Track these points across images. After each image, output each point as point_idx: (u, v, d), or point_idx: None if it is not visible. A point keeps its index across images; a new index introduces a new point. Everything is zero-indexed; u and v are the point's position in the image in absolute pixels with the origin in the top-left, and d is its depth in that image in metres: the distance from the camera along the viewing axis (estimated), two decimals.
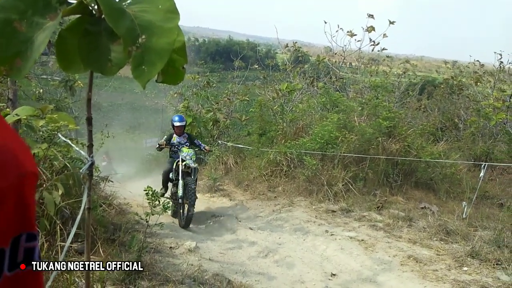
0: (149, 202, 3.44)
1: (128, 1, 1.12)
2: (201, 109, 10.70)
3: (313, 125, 7.84)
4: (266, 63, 13.42)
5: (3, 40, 0.98)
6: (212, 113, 10.24)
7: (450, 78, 11.62)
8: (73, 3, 1.13)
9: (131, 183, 9.40)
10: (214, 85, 13.20)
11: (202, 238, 5.12)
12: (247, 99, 11.45)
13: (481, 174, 5.50)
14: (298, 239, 5.01)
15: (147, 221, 3.36)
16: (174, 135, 6.38)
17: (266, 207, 6.42)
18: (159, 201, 3.40)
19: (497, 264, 4.16)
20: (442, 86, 11.23)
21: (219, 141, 9.98)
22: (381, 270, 4.07)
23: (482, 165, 5.66)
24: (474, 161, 7.76)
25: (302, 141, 7.21)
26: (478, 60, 11.75)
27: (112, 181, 5.72)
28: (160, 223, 3.58)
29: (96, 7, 1.12)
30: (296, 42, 12.09)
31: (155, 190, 3.44)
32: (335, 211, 5.87)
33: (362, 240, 4.78)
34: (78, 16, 1.14)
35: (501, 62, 10.37)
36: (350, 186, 6.41)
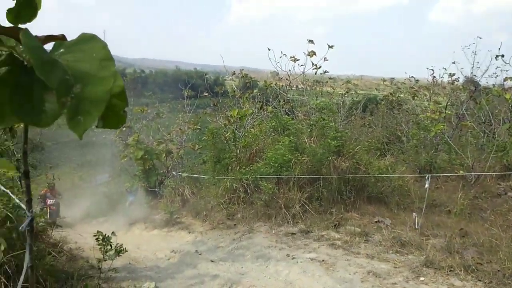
0: (100, 248, 3.25)
1: (61, 51, 1.09)
2: (152, 141, 10.47)
3: (266, 150, 7.93)
4: (215, 91, 13.50)
5: None
6: (164, 144, 10.05)
7: (389, 95, 12.38)
8: (1, 55, 1.09)
9: (83, 225, 8.89)
10: (164, 115, 13.03)
11: (162, 277, 4.90)
12: (199, 127, 11.39)
13: (426, 185, 5.82)
14: (261, 266, 4.95)
15: (99, 268, 3.16)
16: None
17: (226, 236, 6.32)
18: (111, 246, 3.22)
19: (450, 270, 4.37)
20: (383, 103, 11.92)
21: (174, 172, 9.77)
22: None
23: (426, 177, 5.99)
24: (419, 172, 8.20)
25: (257, 166, 7.25)
26: (413, 76, 12.70)
27: (60, 226, 5.37)
28: (114, 268, 3.39)
29: (27, 57, 1.08)
30: (243, 69, 12.34)
31: (105, 235, 3.26)
32: (294, 234, 5.91)
33: (323, 260, 4.83)
34: (8, 67, 1.09)
35: (434, 76, 11.27)
36: (307, 207, 6.50)
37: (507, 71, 10.05)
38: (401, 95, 12.34)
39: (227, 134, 8.81)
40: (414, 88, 12.03)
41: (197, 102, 14.39)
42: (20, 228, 1.48)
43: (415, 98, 11.46)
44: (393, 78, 15.69)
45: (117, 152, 15.29)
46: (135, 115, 11.87)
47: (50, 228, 5.12)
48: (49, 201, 9.39)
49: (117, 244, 3.38)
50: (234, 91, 11.59)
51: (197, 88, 15.67)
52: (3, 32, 1.07)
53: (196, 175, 8.88)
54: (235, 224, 6.66)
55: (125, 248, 3.35)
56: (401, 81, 14.25)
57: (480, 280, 4.14)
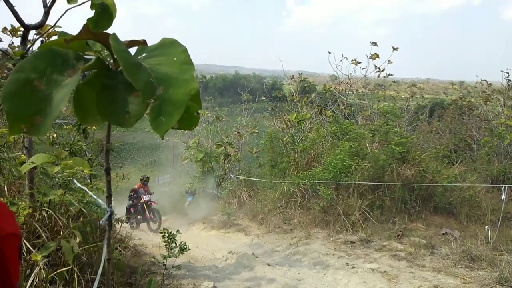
0: (165, 245, 3.39)
1: (144, 55, 1.15)
2: (211, 144, 10.77)
3: (324, 154, 7.80)
4: (273, 95, 13.59)
5: (23, 99, 1.01)
6: (223, 147, 10.29)
7: (459, 99, 11.58)
8: (90, 59, 1.17)
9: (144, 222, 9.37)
10: (223, 119, 13.36)
11: (219, 277, 4.99)
12: (257, 131, 11.52)
13: (503, 196, 5.34)
14: (318, 273, 4.85)
15: (164, 264, 3.29)
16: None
17: (283, 240, 6.29)
18: (175, 243, 3.35)
19: None
20: (452, 107, 11.18)
21: (231, 175, 9.97)
22: None
23: (503, 188, 5.50)
24: (491, 182, 7.58)
25: (315, 171, 7.14)
26: (485, 80, 11.73)
27: (126, 222, 5.68)
28: (178, 265, 3.51)
29: (112, 61, 1.15)
30: (301, 73, 12.26)
31: (171, 232, 3.40)
32: (354, 242, 5.71)
33: (385, 271, 4.61)
34: (95, 70, 1.17)
35: (509, 80, 10.33)
36: (368, 215, 6.27)
37: None
38: (472, 100, 11.48)
39: (285, 138, 8.80)
40: (486, 92, 11.11)
41: (255, 106, 14.57)
42: (100, 222, 1.58)
43: (488, 103, 10.58)
44: (463, 82, 14.67)
45: (178, 154, 15.98)
46: None
47: (117, 224, 5.46)
48: (145, 197, 9.38)
49: (181, 242, 3.51)
50: (292, 95, 11.55)
51: (255, 92, 15.89)
52: (92, 37, 1.14)
53: (254, 179, 8.96)
54: (291, 229, 6.60)
55: (188, 246, 3.46)
56: (471, 85, 13.26)
57: None
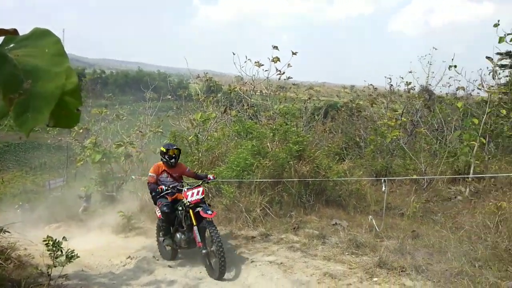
0: (50, 254, 3.11)
1: (12, 45, 1.06)
2: (111, 144, 10.15)
3: (228, 153, 7.94)
4: (178, 94, 13.34)
5: None
6: (123, 147, 9.78)
7: (349, 102, 12.81)
8: None
9: (34, 230, 8.43)
10: (125, 118, 12.68)
11: (116, 284, 4.76)
12: (161, 130, 11.19)
13: (383, 188, 6.06)
14: None
15: (49, 274, 3.02)
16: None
17: None
18: (61, 251, 3.09)
19: (402, 271, 4.56)
20: (343, 109, 12.32)
21: (133, 176, 9.53)
22: None
23: (382, 180, 6.25)
24: (376, 176, 8.53)
25: (219, 170, 7.24)
26: (371, 84, 13.21)
27: (8, 232, 5.07)
28: (65, 275, 3.25)
29: None
30: (207, 73, 12.28)
31: (56, 240, 3.13)
32: (254, 237, 5.94)
33: (281, 263, 4.90)
34: None
35: (391, 85, 11.79)
36: (268, 211, 6.57)
37: (459, 81, 10.76)
38: (360, 102, 12.80)
39: (190, 138, 8.73)
40: (372, 95, 12.51)
41: (160, 105, 14.13)
42: None
43: (373, 105, 11.91)
44: (353, 86, 16.27)
45: (73, 155, 14.71)
46: (94, 116, 11.49)
47: None
48: (189, 195, 5.40)
49: (68, 249, 3.25)
50: (198, 95, 11.51)
51: (159, 90, 15.40)
52: None
53: None
54: None
55: (76, 254, 3.22)
56: (360, 89, 14.78)
57: (429, 280, 4.35)
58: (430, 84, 11.42)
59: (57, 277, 3.22)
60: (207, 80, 12.38)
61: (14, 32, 1.12)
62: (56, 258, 3.08)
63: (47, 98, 0.96)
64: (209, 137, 9.32)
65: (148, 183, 5.64)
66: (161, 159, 5.69)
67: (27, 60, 1.01)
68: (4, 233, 4.91)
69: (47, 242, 3.13)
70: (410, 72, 11.31)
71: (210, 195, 7.16)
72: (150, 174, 5.62)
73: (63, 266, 3.13)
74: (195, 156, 8.14)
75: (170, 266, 5.25)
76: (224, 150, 8.41)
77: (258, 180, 6.82)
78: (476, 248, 4.92)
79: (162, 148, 5.77)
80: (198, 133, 9.21)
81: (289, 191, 6.93)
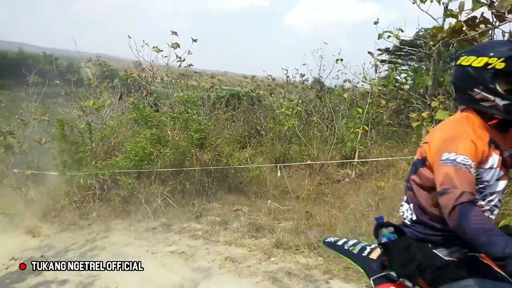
0: None
1: None
2: None
3: (126, 143, 7.53)
4: (67, 78, 12.14)
5: None
6: (1, 137, 8.57)
7: (250, 91, 13.14)
8: None
9: None
10: (3, 104, 11.12)
11: None
12: (47, 118, 10.06)
13: (279, 173, 6.39)
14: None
15: None
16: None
17: (79, 237, 5.78)
18: None
19: (297, 249, 4.89)
20: (245, 98, 12.59)
21: (15, 170, 8.44)
22: (201, 278, 4.22)
23: (278, 167, 6.58)
24: (275, 163, 8.95)
25: (115, 160, 6.82)
26: (270, 75, 13.74)
27: None
28: None
29: None
30: (99, 56, 11.39)
31: None
32: (155, 228, 5.78)
33: (183, 252, 4.85)
34: None
35: (288, 76, 12.43)
36: (169, 201, 6.43)
37: (346, 73, 11.78)
38: (261, 92, 13.22)
39: (81, 126, 8.04)
40: (271, 85, 13.03)
41: (46, 91, 12.69)
42: None
43: (272, 95, 12.42)
44: (254, 76, 16.68)
45: None
46: None
47: None
48: None
49: None
50: (90, 80, 10.60)
51: (46, 74, 13.82)
52: None
53: (43, 172, 7.87)
54: (89, 224, 6.15)
55: None
56: (260, 79, 15.25)
57: (320, 256, 4.74)
58: (321, 76, 12.32)
59: None
60: (100, 64, 11.50)
61: None
62: None
63: None
64: (104, 126, 8.70)
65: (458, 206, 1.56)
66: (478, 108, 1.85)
67: None
68: None
69: None
70: (304, 64, 12.09)
71: (105, 187, 6.72)
72: (461, 163, 1.62)
73: None
74: (87, 146, 7.54)
75: None
76: (121, 139, 7.95)
77: (158, 169, 6.62)
78: (360, 224, 5.51)
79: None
80: (92, 121, 8.54)
81: (191, 179, 6.87)
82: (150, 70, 10.67)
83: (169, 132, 7.40)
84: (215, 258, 4.66)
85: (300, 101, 11.48)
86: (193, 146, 7.03)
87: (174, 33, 9.28)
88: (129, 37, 9.46)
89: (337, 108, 10.84)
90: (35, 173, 7.91)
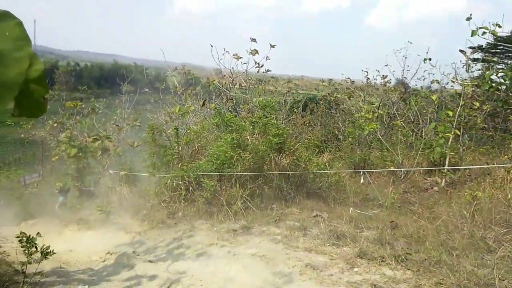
0: (24, 251, 3.00)
1: None
2: (86, 138, 9.89)
3: (208, 147, 7.87)
4: (156, 86, 13.12)
5: None
6: (99, 141, 9.55)
7: (328, 95, 12.91)
8: None
9: (9, 227, 8.16)
10: (101, 111, 12.40)
11: (96, 280, 4.66)
12: (139, 124, 10.99)
13: (362, 180, 6.13)
14: (201, 264, 4.90)
15: (23, 272, 2.91)
16: None
17: (166, 235, 6.17)
18: (36, 247, 2.98)
19: (382, 261, 4.63)
20: (322, 102, 12.39)
21: (111, 171, 9.33)
22: (282, 283, 4.21)
23: (361, 172, 6.32)
24: (354, 168, 8.64)
25: (199, 163, 7.16)
26: (349, 78, 13.34)
27: None
28: (40, 272, 3.14)
29: None
30: (185, 65, 12.11)
31: (29, 236, 3.01)
32: (236, 230, 5.92)
33: (263, 255, 4.89)
34: None
35: (368, 78, 11.94)
36: (249, 204, 6.55)
37: (434, 74, 10.96)
38: (338, 96, 12.91)
39: (169, 131, 8.60)
40: (350, 89, 12.64)
41: (137, 98, 13.88)
42: None
43: (351, 98, 12.04)
44: (331, 79, 16.36)
45: (48, 150, 14.29)
46: (68, 110, 11.18)
47: None
48: None
49: (43, 246, 3.13)
50: (176, 88, 11.32)
51: (137, 83, 15.11)
52: None
53: (135, 173, 8.56)
54: (175, 223, 6.52)
55: (52, 250, 3.12)
56: (338, 82, 14.90)
57: (409, 269, 4.43)
58: (405, 77, 11.63)
59: (32, 274, 3.10)
60: (185, 72, 12.21)
61: None
62: (31, 254, 2.97)
63: (9, 84, 0.89)
64: (188, 131, 9.21)
65: None
66: None
67: None
68: None
69: (20, 238, 3.01)
70: (386, 65, 11.48)
71: (190, 188, 7.08)
72: None
73: (39, 262, 3.02)
74: (174, 149, 8.03)
75: (151, 261, 5.17)
76: (203, 143, 8.33)
77: (238, 173, 6.79)
78: (453, 237, 5.04)
79: None
80: (178, 126, 9.09)
81: (269, 183, 6.93)
82: (230, 76, 11.06)
83: (248, 137, 7.56)
84: (296, 264, 4.61)
85: (381, 104, 10.95)
86: (272, 151, 7.09)
87: (253, 40, 9.50)
88: (211, 46, 9.90)
89: (424, 111, 10.12)
90: (128, 174, 8.65)
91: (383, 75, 11.56)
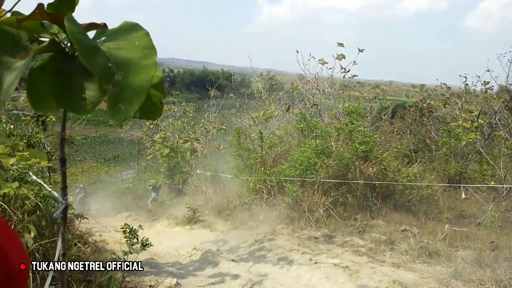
0: (126, 240, 3.29)
1: (103, 38, 1.09)
2: (177, 139, 10.60)
3: (291, 152, 7.88)
4: (241, 92, 13.57)
5: None
6: (189, 143, 10.16)
7: (419, 101, 12.04)
8: (45, 41, 1.09)
9: (107, 218, 9.09)
10: (191, 114, 13.20)
11: (183, 273, 4.92)
12: (224, 127, 11.47)
13: (463, 195, 5.61)
14: (282, 269, 4.89)
15: (125, 260, 3.20)
16: None
17: (248, 236, 6.30)
18: (137, 239, 3.26)
19: (480, 284, 4.18)
20: (412, 109, 11.61)
21: (198, 171, 9.86)
22: None
23: (462, 187, 5.76)
24: (448, 182, 7.92)
25: (281, 168, 7.20)
26: (444, 83, 12.29)
27: (87, 218, 5.48)
28: (138, 262, 3.42)
29: (69, 44, 1.08)
30: (270, 71, 12.32)
31: (132, 227, 3.30)
32: (317, 238, 5.81)
33: (347, 266, 4.72)
34: (50, 54, 1.10)
35: (467, 84, 10.89)
36: (331, 212, 6.39)
37: None
38: (432, 102, 11.97)
39: (253, 135, 8.81)
40: (445, 95, 11.64)
41: (223, 103, 14.51)
42: (54, 215, 1.50)
43: (446, 105, 11.09)
44: (424, 85, 15.27)
45: (143, 149, 15.64)
46: (163, 112, 12.09)
47: (77, 219, 5.26)
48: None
49: (143, 237, 3.42)
50: (260, 93, 11.58)
51: (223, 88, 15.82)
52: (47, 17, 1.07)
53: (220, 174, 8.92)
54: (257, 225, 6.63)
55: (150, 242, 3.38)
56: (432, 88, 13.84)
57: None
58: (510, 84, 10.38)
59: (131, 264, 3.39)
60: (270, 78, 12.43)
61: (104, 26, 1.15)
62: (132, 245, 3.26)
63: (138, 90, 0.97)
64: (271, 135, 9.33)
65: None
66: None
67: (118, 52, 1.02)
68: (83, 219, 5.32)
69: (124, 229, 3.32)
70: (488, 71, 10.36)
71: (272, 192, 7.15)
72: None
73: (138, 253, 3.30)
74: (258, 153, 8.19)
75: (233, 260, 5.31)
76: (286, 148, 8.36)
77: (321, 180, 6.66)
78: None
79: None
80: (261, 130, 9.27)
81: (354, 192, 6.68)
82: (313, 82, 10.96)
83: (332, 143, 7.40)
84: (382, 279, 4.36)
85: (481, 112, 9.90)
86: (357, 158, 6.84)
87: (341, 44, 9.32)
88: (297, 52, 9.93)
89: None
90: (213, 175, 9.06)
91: (484, 81, 10.45)
